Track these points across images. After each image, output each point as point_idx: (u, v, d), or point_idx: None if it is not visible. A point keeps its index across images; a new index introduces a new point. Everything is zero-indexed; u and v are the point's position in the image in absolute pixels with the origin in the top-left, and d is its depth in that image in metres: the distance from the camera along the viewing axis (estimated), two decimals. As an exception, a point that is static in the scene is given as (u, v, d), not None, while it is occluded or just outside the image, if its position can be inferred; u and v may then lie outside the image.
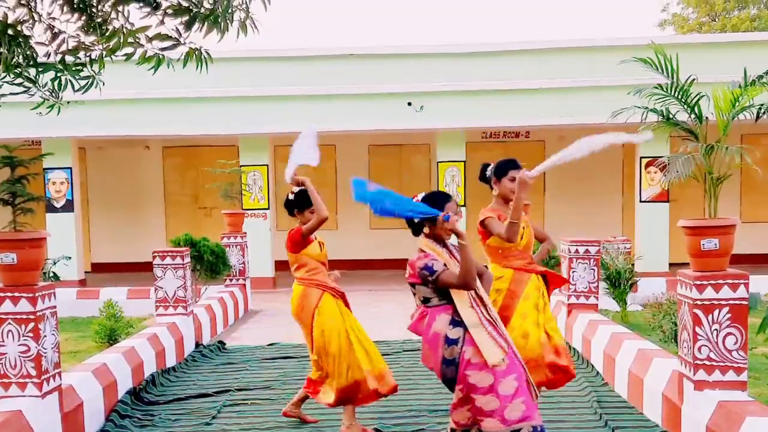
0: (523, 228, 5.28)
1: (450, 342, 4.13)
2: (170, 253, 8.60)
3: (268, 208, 14.07)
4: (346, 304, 5.83)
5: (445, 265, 4.20)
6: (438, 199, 4.34)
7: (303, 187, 5.71)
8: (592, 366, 7.41)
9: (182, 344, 8.35)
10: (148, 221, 16.58)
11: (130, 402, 6.46)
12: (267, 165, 14.04)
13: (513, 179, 5.05)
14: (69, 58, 4.40)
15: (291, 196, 5.81)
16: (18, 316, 5.01)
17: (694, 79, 5.60)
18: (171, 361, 7.94)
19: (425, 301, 4.30)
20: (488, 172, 5.39)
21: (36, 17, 4.35)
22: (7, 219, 5.18)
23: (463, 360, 4.09)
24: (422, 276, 4.22)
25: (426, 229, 4.36)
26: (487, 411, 4.02)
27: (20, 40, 4.25)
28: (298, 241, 5.71)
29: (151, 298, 9.69)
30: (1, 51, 4.14)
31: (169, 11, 4.13)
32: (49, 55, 4.41)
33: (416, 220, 4.32)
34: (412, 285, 4.35)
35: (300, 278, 5.79)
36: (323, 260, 5.89)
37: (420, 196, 4.35)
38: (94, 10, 4.29)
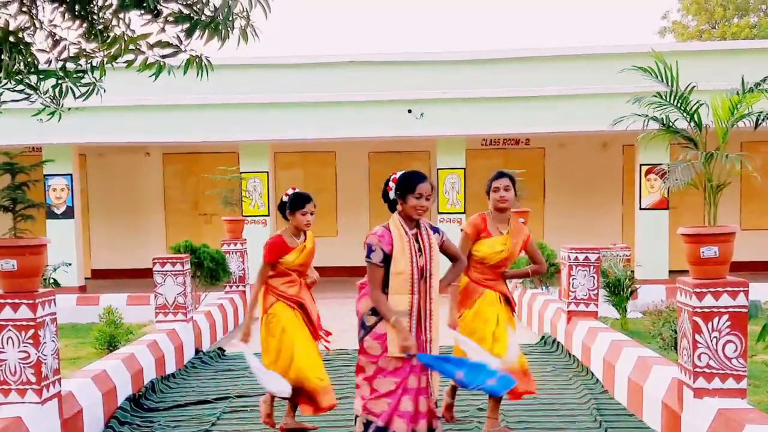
0: (502, 246, 5.37)
1: (363, 326, 4.47)
2: (170, 260, 8.60)
3: (268, 215, 14.07)
4: (309, 320, 5.81)
5: (385, 259, 4.34)
6: (409, 183, 4.41)
7: (297, 190, 5.79)
8: (592, 373, 7.40)
9: (182, 351, 8.34)
10: (148, 228, 16.58)
11: (130, 408, 6.45)
12: (267, 172, 14.05)
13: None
14: (70, 65, 4.41)
15: (286, 198, 5.81)
16: (18, 323, 5.01)
17: (693, 87, 5.61)
18: (171, 367, 7.93)
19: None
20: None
21: (37, 24, 4.37)
22: (7, 225, 5.19)
23: (362, 346, 4.45)
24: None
25: (399, 206, 4.45)
26: (359, 392, 4.48)
27: (21, 47, 4.26)
28: (277, 248, 5.71)
29: (150, 304, 9.70)
30: (3, 58, 4.15)
31: (170, 18, 4.14)
32: (50, 62, 4.43)
33: (391, 197, 4.52)
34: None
35: (267, 283, 5.81)
36: (297, 267, 5.78)
37: (398, 175, 4.48)
38: (95, 17, 4.31)
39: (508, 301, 5.52)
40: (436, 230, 4.58)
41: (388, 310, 4.32)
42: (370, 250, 4.37)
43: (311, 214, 5.72)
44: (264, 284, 5.83)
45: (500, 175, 5.46)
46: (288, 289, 5.75)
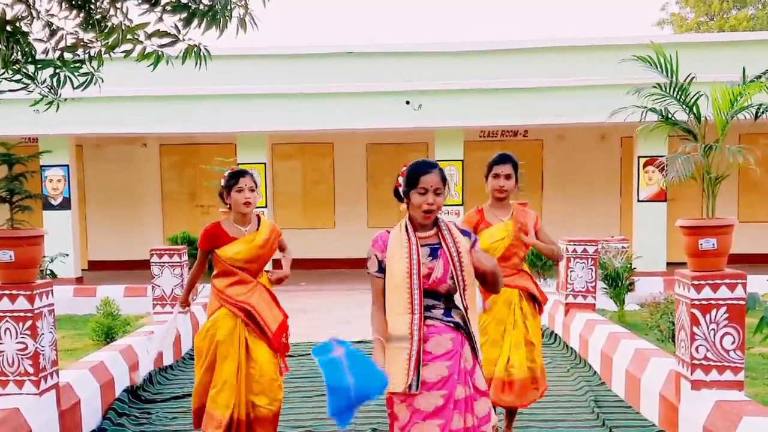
0: (504, 233, 5.01)
1: None
2: (167, 251, 8.59)
3: (265, 207, 14.04)
4: (260, 330, 4.90)
5: (381, 269, 3.52)
6: (411, 175, 3.55)
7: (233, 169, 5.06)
8: (590, 365, 7.41)
9: (179, 342, 8.33)
10: (146, 219, 16.55)
11: (128, 400, 6.45)
12: (264, 163, 14.01)
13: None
14: (68, 55, 4.40)
15: (223, 182, 4.99)
16: (16, 314, 5.00)
17: (693, 78, 5.59)
18: (168, 359, 7.92)
19: None
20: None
21: (35, 14, 4.35)
22: (4, 216, 5.17)
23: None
24: None
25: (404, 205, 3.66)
26: None
27: (19, 36, 4.25)
28: (211, 236, 4.94)
29: (148, 296, 9.68)
30: (0, 47, 4.13)
31: (168, 8, 4.12)
32: (48, 51, 4.41)
33: (401, 191, 3.66)
34: None
35: (213, 284, 5.06)
36: (243, 264, 4.94)
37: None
38: (92, 6, 4.29)
39: (533, 297, 5.10)
40: (465, 233, 3.60)
41: (376, 330, 3.49)
42: (367, 258, 3.58)
43: (251, 190, 4.86)
44: (196, 275, 5.22)
45: (503, 158, 5.06)
46: (234, 291, 4.88)
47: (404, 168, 3.67)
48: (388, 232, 3.57)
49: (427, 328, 3.43)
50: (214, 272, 5.03)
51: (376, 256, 3.54)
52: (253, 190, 4.89)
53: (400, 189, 3.66)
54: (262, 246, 4.94)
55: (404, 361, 3.36)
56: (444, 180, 3.55)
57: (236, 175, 4.89)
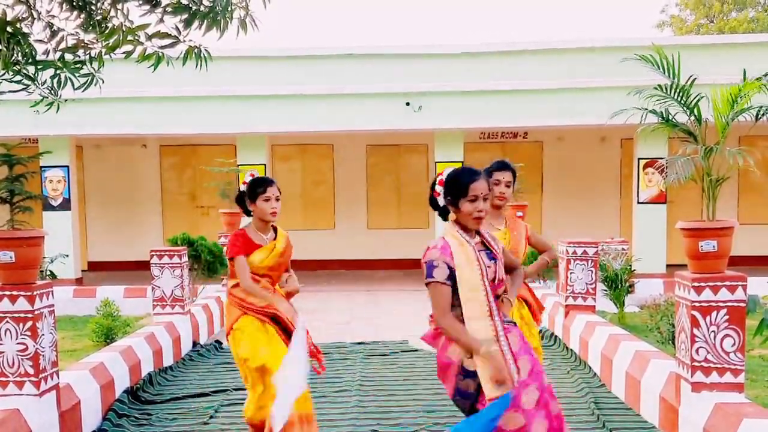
0: (502, 241, 4.94)
1: (467, 374, 3.48)
2: (167, 252, 8.58)
3: (265, 208, 14.04)
4: (286, 331, 4.83)
5: (451, 275, 3.51)
6: (458, 184, 3.59)
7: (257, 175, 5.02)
8: (590, 367, 7.41)
9: (179, 343, 8.33)
10: (146, 220, 16.56)
11: (128, 401, 6.45)
12: (264, 164, 14.02)
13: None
14: (68, 56, 4.40)
15: (244, 188, 4.99)
16: (16, 315, 4.99)
17: (694, 79, 5.59)
18: (168, 360, 7.92)
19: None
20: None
21: (35, 15, 4.35)
22: (5, 217, 5.17)
23: (484, 397, 3.43)
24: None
25: (452, 215, 3.68)
26: None
27: (19, 37, 4.25)
28: (241, 241, 4.86)
29: (148, 297, 9.68)
30: (1, 48, 4.13)
31: (169, 9, 4.13)
32: (48, 52, 4.41)
33: (441, 204, 3.68)
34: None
35: (229, 291, 4.98)
36: (266, 272, 4.93)
37: (444, 175, 3.69)
38: (93, 7, 4.30)
39: (527, 303, 5.05)
40: (493, 237, 3.79)
41: (474, 339, 3.43)
42: (432, 267, 3.49)
43: (276, 200, 4.86)
44: (256, 282, 4.83)
45: (503, 165, 5.01)
46: (256, 299, 4.83)
47: (439, 176, 3.70)
48: (445, 240, 3.58)
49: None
50: (233, 282, 4.93)
51: (446, 263, 3.51)
52: (278, 199, 4.91)
53: (439, 198, 3.69)
54: (281, 254, 4.96)
55: (501, 362, 3.41)
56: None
57: (263, 183, 4.88)
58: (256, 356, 4.74)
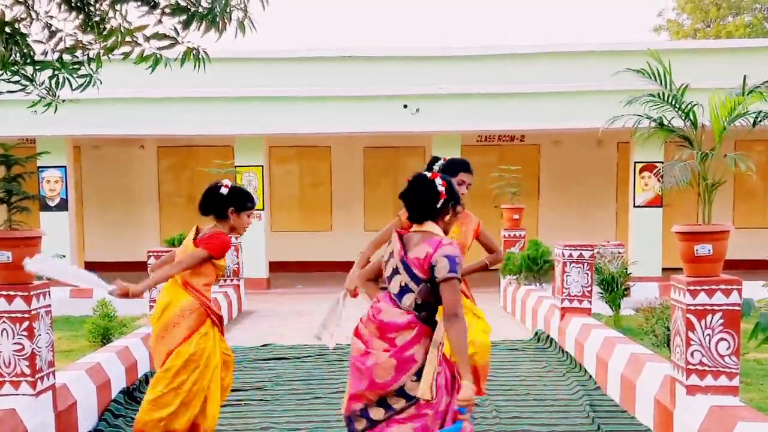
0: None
1: (418, 379, 3.52)
2: (164, 253, 8.56)
3: (262, 209, 14.05)
4: (221, 332, 5.23)
5: None
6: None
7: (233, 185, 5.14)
8: (585, 370, 7.42)
9: (176, 344, 8.31)
10: (143, 221, 16.55)
11: (124, 401, 6.45)
12: (262, 166, 14.03)
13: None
14: (66, 57, 4.41)
15: (225, 191, 5.04)
16: (13, 315, 5.00)
17: (686, 88, 5.61)
18: (164, 361, 7.91)
19: (420, 307, 3.61)
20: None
21: (34, 15, 4.36)
22: (2, 217, 5.18)
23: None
24: (440, 269, 3.54)
25: (446, 217, 3.80)
26: None
27: (18, 38, 4.26)
28: (225, 248, 5.06)
29: (144, 297, 9.65)
30: (-1, 49, 4.14)
31: (167, 10, 4.14)
32: (47, 53, 4.42)
33: (438, 206, 3.73)
34: (417, 280, 3.59)
35: (194, 288, 5.04)
36: (221, 273, 5.29)
37: (438, 165, 3.95)
38: (91, 8, 4.30)
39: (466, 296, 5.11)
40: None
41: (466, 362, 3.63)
42: (455, 263, 3.55)
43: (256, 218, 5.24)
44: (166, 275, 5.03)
45: (468, 167, 5.07)
46: (207, 294, 5.08)
47: (438, 180, 3.80)
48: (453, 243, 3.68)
49: None
50: (205, 280, 5.09)
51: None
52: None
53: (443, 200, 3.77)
54: None
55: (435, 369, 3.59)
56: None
57: (253, 201, 5.17)
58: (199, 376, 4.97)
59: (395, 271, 3.67)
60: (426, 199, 3.74)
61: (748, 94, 5.29)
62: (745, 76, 5.55)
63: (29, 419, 4.91)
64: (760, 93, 5.30)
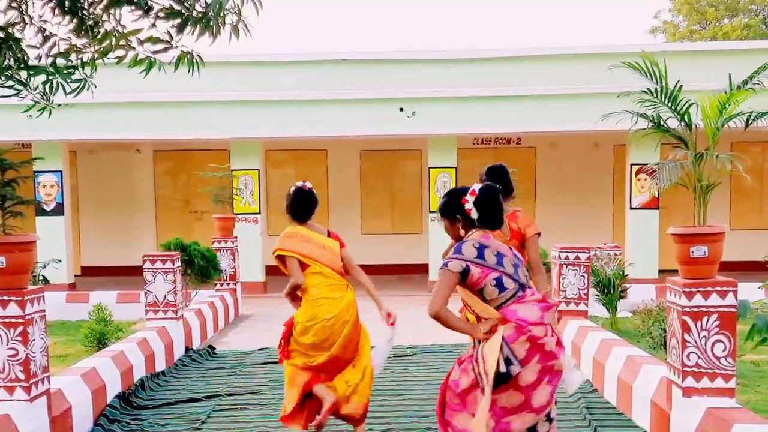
0: None
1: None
2: (160, 257, 8.57)
3: (259, 213, 14.04)
4: None
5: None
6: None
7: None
8: (582, 372, 7.41)
9: (172, 349, 8.31)
10: (139, 225, 16.52)
11: (119, 406, 6.43)
12: (258, 169, 14.02)
13: None
14: (60, 61, 4.39)
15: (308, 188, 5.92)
16: (7, 320, 4.98)
17: (681, 86, 5.62)
18: (161, 365, 7.91)
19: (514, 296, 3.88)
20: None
21: (27, 20, 4.35)
22: (-4, 222, 5.17)
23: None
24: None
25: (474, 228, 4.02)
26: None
27: (11, 42, 4.24)
28: None
29: (140, 302, 9.65)
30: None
31: (161, 14, 4.12)
32: (41, 57, 4.40)
33: (474, 216, 3.97)
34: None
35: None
36: None
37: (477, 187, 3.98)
38: (85, 12, 4.29)
39: None
40: None
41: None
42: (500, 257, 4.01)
43: None
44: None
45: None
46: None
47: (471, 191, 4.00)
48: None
49: None
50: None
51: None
52: None
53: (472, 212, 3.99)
54: None
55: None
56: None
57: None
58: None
59: (516, 266, 3.97)
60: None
61: (734, 92, 5.29)
62: (730, 74, 5.55)
63: (24, 425, 4.89)
64: (747, 89, 5.30)
